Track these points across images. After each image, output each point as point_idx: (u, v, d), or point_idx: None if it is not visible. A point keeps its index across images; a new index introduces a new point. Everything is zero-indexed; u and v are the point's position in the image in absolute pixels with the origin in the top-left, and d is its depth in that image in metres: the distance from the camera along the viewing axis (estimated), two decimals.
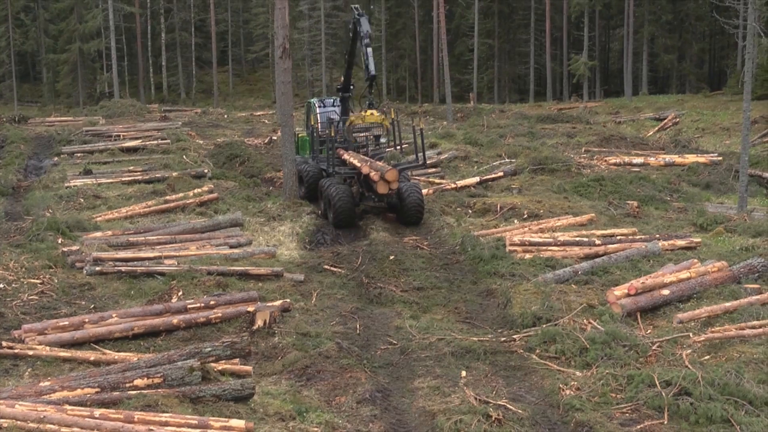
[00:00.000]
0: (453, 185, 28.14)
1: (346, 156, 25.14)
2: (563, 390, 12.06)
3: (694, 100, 55.37)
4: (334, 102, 28.23)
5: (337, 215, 23.40)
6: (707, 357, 12.98)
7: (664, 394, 11.36)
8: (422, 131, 25.66)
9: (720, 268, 16.74)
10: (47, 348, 13.01)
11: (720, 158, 33.93)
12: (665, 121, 47.94)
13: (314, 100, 28.80)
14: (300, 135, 29.31)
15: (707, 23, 65.09)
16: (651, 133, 45.66)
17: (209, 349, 11.72)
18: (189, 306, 14.75)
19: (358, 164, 23.89)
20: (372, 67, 25.64)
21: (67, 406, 10.12)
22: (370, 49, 25.80)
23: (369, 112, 25.47)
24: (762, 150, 38.23)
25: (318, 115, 27.44)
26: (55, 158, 35.54)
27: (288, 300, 15.89)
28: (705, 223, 23.02)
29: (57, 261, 17.83)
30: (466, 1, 67.31)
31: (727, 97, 53.78)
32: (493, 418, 10.91)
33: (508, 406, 11.39)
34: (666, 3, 64.40)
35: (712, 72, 73.01)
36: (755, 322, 14.13)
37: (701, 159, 33.82)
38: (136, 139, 38.95)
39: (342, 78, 28.13)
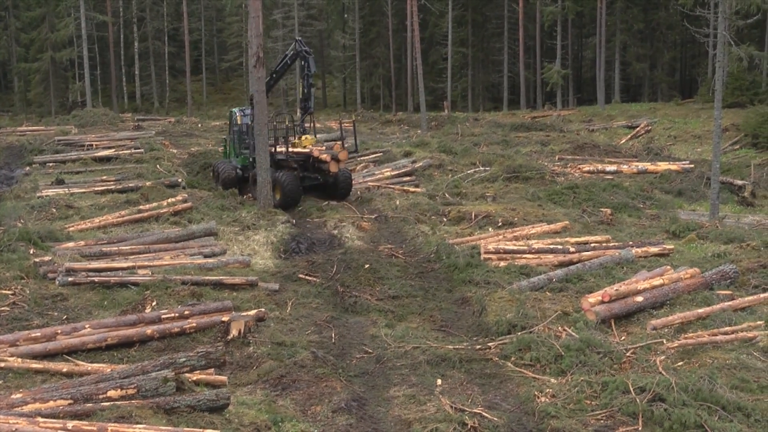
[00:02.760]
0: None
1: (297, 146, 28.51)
2: (538, 397, 12.10)
3: (666, 108, 55.85)
4: (247, 111, 30.49)
5: (286, 196, 26.97)
6: (681, 363, 13.07)
7: (638, 400, 11.42)
8: (354, 124, 31.74)
9: (692, 274, 16.88)
10: (19, 360, 12.86)
11: (692, 166, 34.26)
12: (638, 129, 48.35)
13: (236, 110, 31.20)
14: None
15: (678, 32, 65.74)
16: (624, 140, 46.03)
17: (183, 359, 11.64)
18: (163, 316, 14.66)
19: (310, 149, 28.01)
20: (312, 104, 29.61)
21: (40, 419, 10.02)
22: (313, 89, 29.67)
23: (304, 137, 28.92)
24: (733, 157, 38.68)
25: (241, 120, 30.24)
26: (27, 168, 35.24)
27: (263, 309, 15.84)
28: (677, 230, 23.23)
29: (29, 272, 17.65)
30: (440, 9, 67.54)
31: (699, 105, 54.28)
32: (469, 426, 10.93)
33: (484, 413, 11.42)
34: (637, 12, 64.98)
35: (684, 80, 73.69)
36: (727, 328, 14.27)
37: (673, 166, 34.13)
38: (109, 148, 38.72)
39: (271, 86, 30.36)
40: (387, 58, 75.33)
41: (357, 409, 11.85)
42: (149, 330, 14.25)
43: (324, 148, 29.10)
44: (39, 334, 13.75)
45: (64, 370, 12.61)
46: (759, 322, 14.48)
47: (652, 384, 11.64)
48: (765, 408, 11.31)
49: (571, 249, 19.98)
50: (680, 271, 17.14)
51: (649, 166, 34.55)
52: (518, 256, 19.69)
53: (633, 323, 15.33)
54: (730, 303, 15.59)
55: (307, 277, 19.25)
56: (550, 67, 64.20)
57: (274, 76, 30.44)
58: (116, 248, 19.77)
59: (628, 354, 13.44)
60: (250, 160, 28.76)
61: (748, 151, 40.49)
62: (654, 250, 20.12)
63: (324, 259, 20.62)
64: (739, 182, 31.60)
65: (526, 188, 29.15)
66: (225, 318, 14.74)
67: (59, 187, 29.31)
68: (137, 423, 10.07)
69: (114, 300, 16.45)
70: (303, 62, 28.82)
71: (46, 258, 18.52)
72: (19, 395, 10.83)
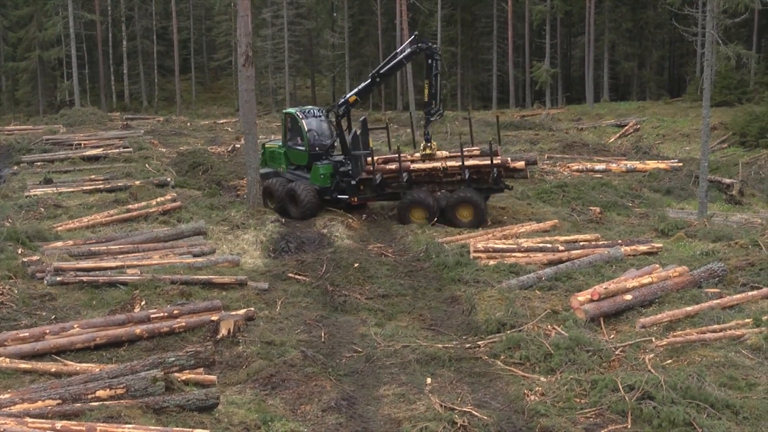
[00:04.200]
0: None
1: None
2: (528, 396, 12.11)
3: (655, 106, 56.01)
4: (315, 113, 27.48)
5: (480, 214, 24.05)
6: (669, 361, 13.11)
7: (627, 398, 11.45)
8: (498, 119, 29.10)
9: (681, 272, 16.93)
10: (7, 360, 12.81)
11: (680, 164, 34.38)
12: (626, 127, 48.50)
13: (295, 111, 27.39)
14: (268, 146, 28.26)
15: (666, 31, 65.90)
16: (612, 139, 46.18)
17: (173, 358, 11.61)
18: (152, 315, 14.61)
19: (502, 159, 25.09)
20: (442, 108, 26.40)
21: (28, 419, 9.98)
22: (443, 90, 26.41)
23: (432, 144, 25.91)
24: (721, 156, 38.85)
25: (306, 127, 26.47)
26: (15, 167, 35.11)
27: (252, 309, 15.81)
28: (666, 228, 23.30)
29: (17, 271, 17.57)
30: (429, 9, 67.52)
31: (687, 103, 54.46)
32: (459, 425, 10.93)
33: (474, 412, 11.42)
34: (626, 11, 65.14)
35: (672, 79, 73.91)
36: (716, 326, 14.33)
37: (662, 165, 34.24)
38: (98, 147, 38.61)
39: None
40: (376, 57, 75.18)
41: (347, 408, 11.85)
42: (138, 329, 14.20)
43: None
44: (27, 334, 13.70)
45: (53, 370, 12.57)
46: (747, 320, 14.54)
47: (641, 382, 11.66)
48: (753, 406, 11.35)
49: (561, 247, 20.01)
50: (669, 269, 17.19)
51: (637, 164, 34.65)
52: (507, 254, 19.71)
53: (622, 321, 15.36)
54: (718, 301, 15.64)
55: (296, 276, 19.23)
56: (539, 65, 64.31)
57: (377, 79, 26.35)
58: (105, 248, 19.70)
59: (617, 352, 13.47)
60: (352, 181, 25.53)
61: (736, 149, 40.66)
62: (643, 248, 20.17)
63: (313, 258, 20.62)
64: (728, 181, 31.74)
65: (516, 187, 29.16)
66: (214, 317, 14.71)
67: (47, 187, 29.20)
68: (126, 423, 10.04)
69: (103, 299, 16.38)
70: (430, 61, 25.10)
71: (35, 257, 18.45)
72: (7, 395, 10.79)
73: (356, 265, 19.63)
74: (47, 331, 13.87)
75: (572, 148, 39.40)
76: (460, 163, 24.73)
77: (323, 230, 23.92)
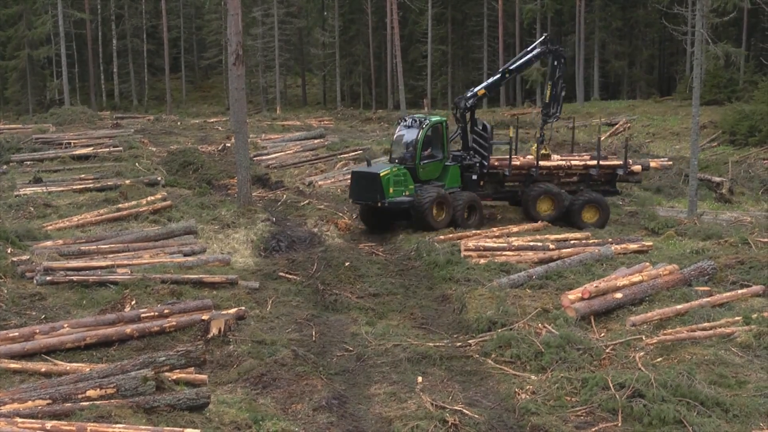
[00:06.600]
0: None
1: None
2: (519, 394, 12.14)
3: (645, 105, 56.18)
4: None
5: (606, 218, 24.32)
6: (660, 359, 13.14)
7: (617, 396, 11.48)
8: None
9: (671, 271, 16.98)
10: None
11: (670, 163, 34.49)
12: (617, 126, 48.58)
13: (436, 119, 24.86)
14: (392, 170, 23.41)
15: (656, 30, 66.03)
16: (603, 138, 46.20)
17: (163, 358, 11.58)
18: (142, 315, 14.58)
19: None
20: (560, 111, 26.30)
21: (18, 419, 9.94)
22: (564, 93, 26.09)
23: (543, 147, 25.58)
24: (711, 154, 38.98)
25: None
26: (4, 166, 34.94)
27: (243, 308, 15.79)
28: (656, 226, 23.39)
29: (6, 271, 17.49)
30: (420, 7, 67.55)
31: (677, 102, 54.64)
32: (450, 424, 10.94)
33: (465, 411, 11.43)
34: (616, 10, 65.30)
35: (662, 78, 74.05)
36: (706, 324, 14.38)
37: (652, 163, 34.27)
38: (88, 146, 38.44)
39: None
40: (367, 55, 75.26)
41: (338, 407, 11.84)
42: (128, 329, 14.17)
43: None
44: (17, 333, 13.64)
45: (43, 369, 12.52)
46: (737, 318, 14.59)
47: (631, 380, 11.70)
48: (743, 403, 11.39)
49: (551, 246, 20.04)
50: (659, 267, 17.23)
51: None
52: (498, 253, 19.72)
53: (612, 320, 15.40)
54: (708, 299, 15.70)
55: (287, 275, 19.22)
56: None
57: (507, 75, 26.38)
58: (95, 247, 19.63)
59: (607, 350, 13.50)
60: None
61: (725, 148, 40.81)
62: (633, 246, 20.21)
63: (304, 257, 20.60)
64: (717, 179, 31.84)
65: None
66: (205, 316, 14.68)
67: (37, 186, 29.07)
68: (117, 422, 10.01)
69: (93, 299, 16.33)
70: (556, 63, 25.41)
71: (24, 257, 18.38)
72: None
73: (347, 263, 19.62)
74: (37, 330, 13.82)
75: (563, 147, 39.41)
76: (584, 163, 24.90)
77: (314, 229, 23.91)
